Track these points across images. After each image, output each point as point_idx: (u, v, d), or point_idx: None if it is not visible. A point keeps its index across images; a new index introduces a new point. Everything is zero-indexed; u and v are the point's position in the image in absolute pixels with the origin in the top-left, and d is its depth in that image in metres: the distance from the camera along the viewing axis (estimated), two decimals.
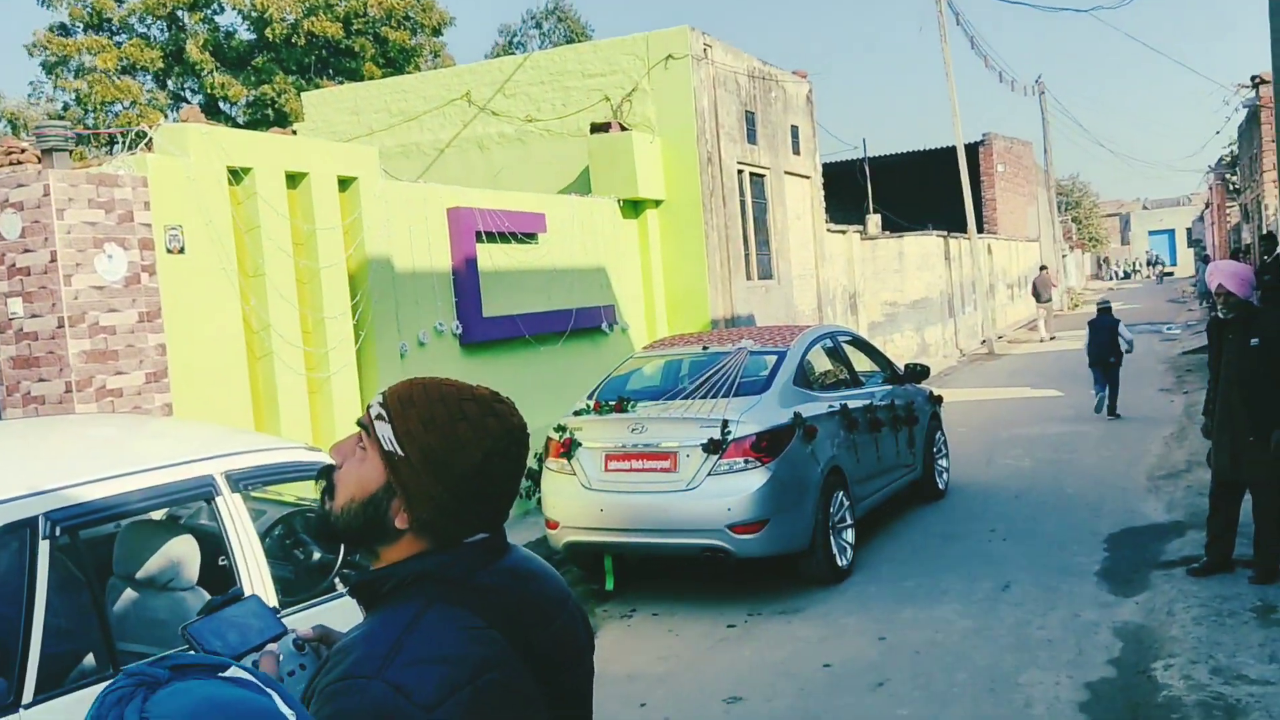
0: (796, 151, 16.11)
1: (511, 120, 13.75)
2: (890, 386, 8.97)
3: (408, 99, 14.43)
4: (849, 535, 7.50)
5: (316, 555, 4.56)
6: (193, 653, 1.33)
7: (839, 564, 7.25)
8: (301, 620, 3.31)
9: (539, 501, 8.02)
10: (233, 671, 1.22)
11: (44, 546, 3.11)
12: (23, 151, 15.20)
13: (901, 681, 5.47)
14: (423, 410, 1.50)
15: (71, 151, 6.22)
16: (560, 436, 7.38)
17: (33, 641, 3.01)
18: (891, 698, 5.28)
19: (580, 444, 7.26)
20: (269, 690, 1.20)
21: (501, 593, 1.53)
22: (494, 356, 9.82)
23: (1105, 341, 13.46)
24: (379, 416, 1.53)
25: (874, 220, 21.73)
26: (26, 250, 5.93)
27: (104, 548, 3.92)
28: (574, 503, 7.20)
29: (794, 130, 16.05)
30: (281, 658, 1.62)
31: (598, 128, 12.69)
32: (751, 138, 14.48)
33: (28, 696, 2.94)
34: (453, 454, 1.48)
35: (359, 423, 1.58)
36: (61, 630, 3.41)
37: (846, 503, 7.50)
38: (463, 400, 1.52)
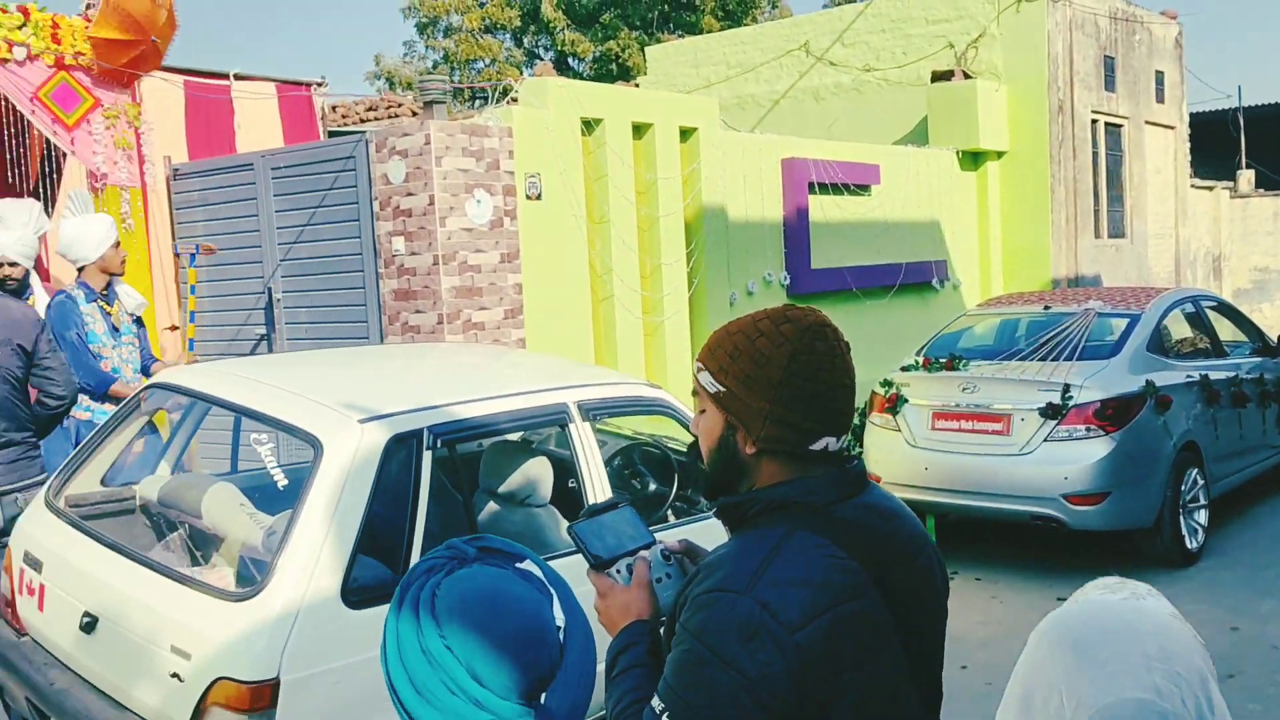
0: (1160, 100, 14.77)
1: (849, 70, 13.55)
2: (1259, 359, 8.14)
3: (746, 51, 14.56)
4: (1201, 516, 6.93)
5: (652, 486, 4.83)
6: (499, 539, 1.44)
7: (1188, 546, 6.72)
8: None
9: (861, 456, 7.99)
10: (527, 564, 1.31)
11: (427, 457, 3.47)
12: (399, 105, 16.76)
13: (1256, 675, 5.02)
14: (726, 345, 1.63)
15: (447, 104, 6.81)
16: (886, 392, 7.30)
17: (415, 541, 3.37)
18: (1243, 690, 4.87)
19: (906, 400, 7.15)
20: (551, 590, 1.29)
21: (862, 527, 1.58)
22: (820, 309, 9.80)
23: None
24: (699, 370, 1.67)
25: (1246, 176, 19.54)
26: (409, 194, 6.59)
27: (471, 463, 4.35)
28: (897, 459, 7.12)
29: (1158, 76, 14.72)
30: (651, 564, 1.76)
31: (939, 76, 12.25)
32: (1109, 85, 13.44)
33: None
34: (762, 368, 1.58)
35: (693, 391, 1.72)
36: (435, 534, 3.83)
37: (1201, 481, 6.92)
38: (756, 321, 1.65)
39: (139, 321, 5.39)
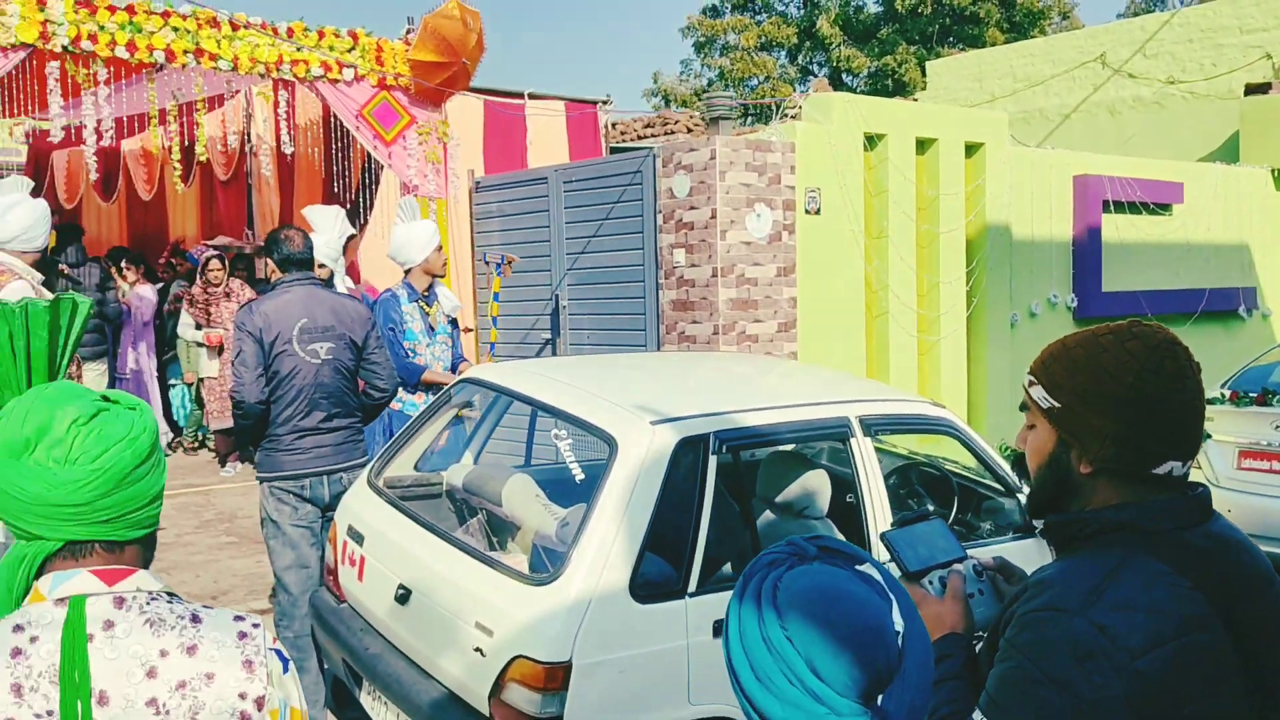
0: None
1: (1149, 82, 12.72)
2: None
3: (1034, 64, 13.97)
4: None
5: (930, 508, 4.72)
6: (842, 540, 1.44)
7: None
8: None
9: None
10: (867, 568, 1.30)
11: (712, 461, 3.55)
12: (675, 122, 17.14)
13: None
14: (1063, 360, 1.57)
15: (732, 120, 6.95)
16: None
17: (699, 542, 3.45)
18: None
19: (1209, 435, 6.63)
20: (890, 596, 1.27)
21: (1208, 556, 1.50)
22: None
23: None
24: (1031, 384, 1.62)
25: None
26: (692, 208, 6.77)
27: (750, 471, 4.41)
28: None
29: None
30: (965, 578, 1.75)
31: (1254, 89, 11.31)
32: None
33: (691, 587, 3.41)
34: (1103, 384, 1.52)
35: (1021, 406, 1.67)
36: (715, 539, 3.91)
37: None
38: (1098, 336, 1.56)
39: (453, 322, 5.77)
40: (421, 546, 3.66)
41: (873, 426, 4.03)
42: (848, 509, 4.26)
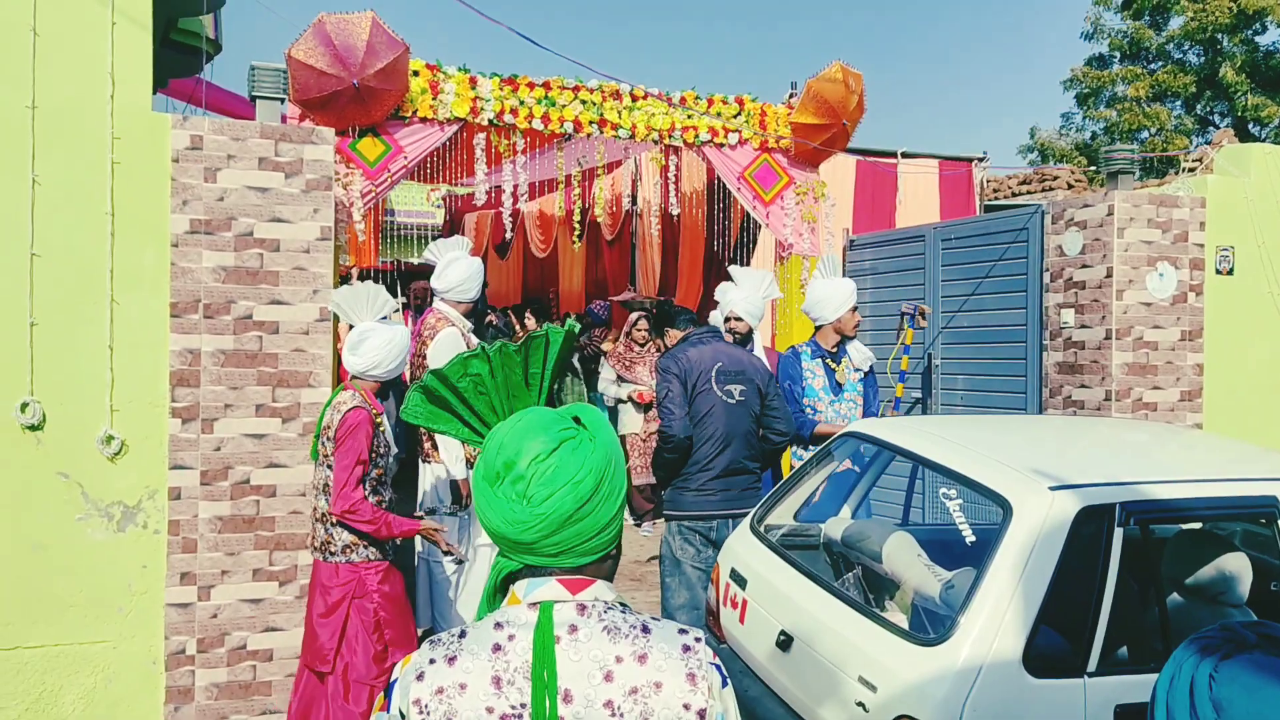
0: None
1: None
2: None
3: None
4: None
5: None
6: None
7: None
8: None
9: None
10: None
11: (1118, 534, 3.33)
12: (1054, 179, 16.35)
13: None
14: None
15: (1132, 174, 6.53)
16: None
17: (1100, 619, 3.24)
18: None
19: None
20: None
21: None
22: None
23: None
24: None
25: None
26: (1084, 266, 6.41)
27: (1155, 547, 4.07)
28: None
29: None
30: None
31: None
32: None
33: (1091, 666, 3.19)
34: None
35: None
36: (1117, 616, 3.64)
37: None
38: None
39: (867, 377, 5.61)
40: (804, 595, 3.70)
41: None
42: (1271, 599, 3.85)
